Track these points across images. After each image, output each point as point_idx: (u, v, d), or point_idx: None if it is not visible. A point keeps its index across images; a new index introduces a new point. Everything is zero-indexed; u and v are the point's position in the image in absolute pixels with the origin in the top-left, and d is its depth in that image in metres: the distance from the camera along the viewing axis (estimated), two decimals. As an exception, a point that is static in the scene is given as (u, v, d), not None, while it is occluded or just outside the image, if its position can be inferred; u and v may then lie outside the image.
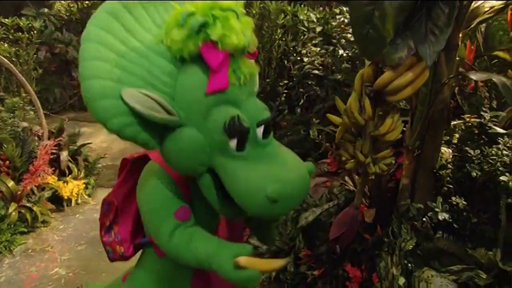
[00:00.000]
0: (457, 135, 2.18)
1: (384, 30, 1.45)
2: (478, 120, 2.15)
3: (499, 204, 1.92)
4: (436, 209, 1.97)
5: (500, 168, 1.93)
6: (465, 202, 1.96)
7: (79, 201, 3.82)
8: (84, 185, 3.87)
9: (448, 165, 2.10)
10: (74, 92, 6.82)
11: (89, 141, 4.50)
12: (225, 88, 1.00)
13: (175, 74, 1.03)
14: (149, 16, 1.08)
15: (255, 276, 0.97)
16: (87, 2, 7.39)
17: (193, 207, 1.17)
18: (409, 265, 1.93)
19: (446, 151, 2.17)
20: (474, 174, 1.98)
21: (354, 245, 2.28)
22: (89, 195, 3.95)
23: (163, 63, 1.02)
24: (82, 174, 3.95)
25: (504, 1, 1.91)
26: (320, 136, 2.70)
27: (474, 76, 1.69)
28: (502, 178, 1.90)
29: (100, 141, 5.37)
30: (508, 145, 1.95)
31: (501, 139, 2.03)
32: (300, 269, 2.51)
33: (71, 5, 7.26)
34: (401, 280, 1.88)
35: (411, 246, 1.95)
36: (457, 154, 2.13)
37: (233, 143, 1.01)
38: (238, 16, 1.01)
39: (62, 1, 7.26)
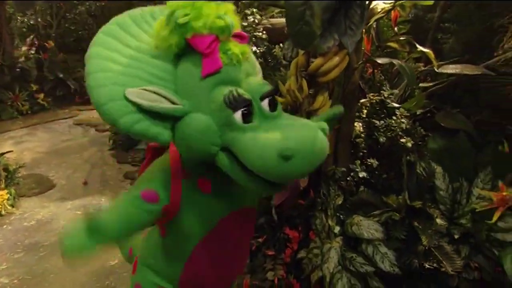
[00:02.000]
0: (365, 111, 2.68)
1: (314, 26, 1.84)
2: (379, 98, 2.68)
3: (402, 161, 2.46)
4: (357, 170, 2.44)
5: (400, 133, 2.47)
6: (377, 162, 2.46)
7: (3, 212, 3.67)
8: (7, 196, 3.72)
9: (361, 134, 2.59)
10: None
11: (10, 150, 4.30)
12: (219, 68, 1.08)
13: (173, 71, 1.13)
14: (142, 30, 1.23)
15: None
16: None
17: (181, 212, 1.24)
18: (341, 216, 2.37)
19: (358, 124, 2.66)
20: (381, 140, 2.49)
21: (290, 211, 2.67)
22: (12, 206, 3.80)
23: (161, 63, 1.14)
24: (2, 185, 3.78)
25: (391, 4, 2.44)
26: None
27: (380, 60, 2.16)
28: (402, 140, 2.45)
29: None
30: (404, 114, 2.49)
31: (398, 111, 2.57)
32: (244, 241, 2.83)
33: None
34: (337, 229, 2.31)
35: (340, 202, 2.40)
36: (366, 125, 2.63)
37: (237, 115, 1.05)
38: (216, 4, 1.10)
39: None
